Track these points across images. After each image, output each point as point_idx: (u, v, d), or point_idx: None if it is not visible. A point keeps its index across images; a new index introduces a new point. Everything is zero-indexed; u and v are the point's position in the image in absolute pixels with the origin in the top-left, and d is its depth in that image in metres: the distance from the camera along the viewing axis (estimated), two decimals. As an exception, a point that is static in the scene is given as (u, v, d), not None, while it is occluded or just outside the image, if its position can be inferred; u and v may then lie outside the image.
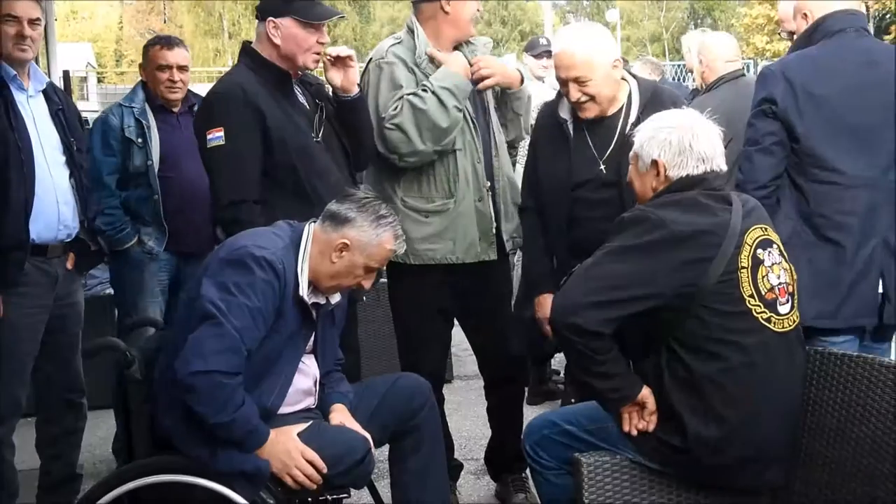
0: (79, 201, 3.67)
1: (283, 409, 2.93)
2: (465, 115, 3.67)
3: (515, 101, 3.88)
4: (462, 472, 4.21)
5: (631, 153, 2.95)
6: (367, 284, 2.98)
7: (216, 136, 3.23)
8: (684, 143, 2.79)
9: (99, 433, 4.80)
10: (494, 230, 3.74)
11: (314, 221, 2.95)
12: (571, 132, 3.49)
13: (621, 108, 3.39)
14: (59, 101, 3.70)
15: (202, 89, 4.15)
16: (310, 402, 3.04)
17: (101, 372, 3.58)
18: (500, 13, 45.92)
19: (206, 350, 2.65)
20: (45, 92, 3.65)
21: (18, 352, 3.52)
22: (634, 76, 3.56)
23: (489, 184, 3.74)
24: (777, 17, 4.43)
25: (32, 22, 3.52)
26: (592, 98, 3.34)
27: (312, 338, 3.00)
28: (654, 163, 2.82)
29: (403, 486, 3.09)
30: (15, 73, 3.50)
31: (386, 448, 3.17)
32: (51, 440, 3.84)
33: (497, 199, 3.78)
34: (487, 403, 4.14)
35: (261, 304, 2.73)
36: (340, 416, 3.02)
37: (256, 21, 3.45)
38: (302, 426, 2.89)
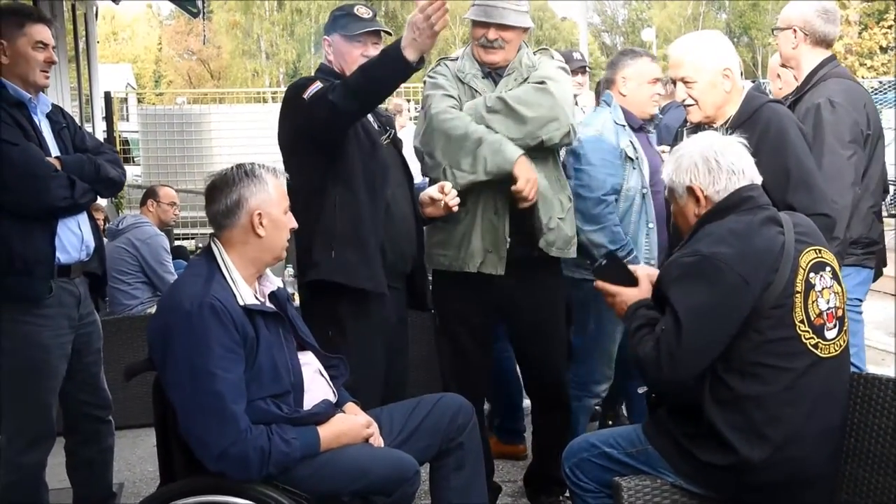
0: (91, 219, 3.66)
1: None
2: None
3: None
4: (500, 494, 4.20)
5: (666, 191, 3.00)
6: (292, 223, 2.96)
7: (316, 87, 3.34)
8: (710, 160, 2.82)
9: (138, 452, 4.84)
10: (508, 245, 3.68)
11: (212, 239, 2.91)
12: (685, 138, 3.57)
13: (727, 121, 3.41)
14: (63, 121, 3.67)
15: (241, 110, 4.19)
16: (329, 394, 3.01)
17: (144, 391, 3.60)
18: (535, 33, 45.95)
19: (210, 437, 2.64)
20: (48, 115, 3.62)
21: (51, 372, 3.51)
22: (755, 96, 3.50)
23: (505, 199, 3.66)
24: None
25: (53, 48, 3.55)
26: (696, 102, 3.43)
27: (290, 325, 2.96)
28: (690, 189, 2.84)
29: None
30: (30, 96, 3.50)
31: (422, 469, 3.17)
32: (86, 462, 3.81)
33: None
34: (534, 425, 4.14)
35: (225, 345, 2.66)
36: (354, 412, 3.03)
37: None
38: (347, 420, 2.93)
